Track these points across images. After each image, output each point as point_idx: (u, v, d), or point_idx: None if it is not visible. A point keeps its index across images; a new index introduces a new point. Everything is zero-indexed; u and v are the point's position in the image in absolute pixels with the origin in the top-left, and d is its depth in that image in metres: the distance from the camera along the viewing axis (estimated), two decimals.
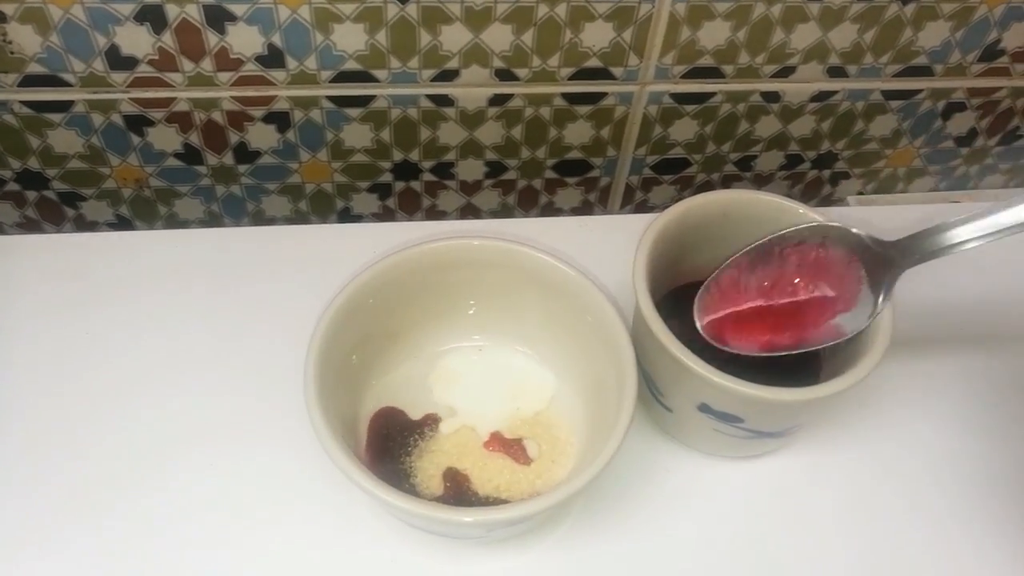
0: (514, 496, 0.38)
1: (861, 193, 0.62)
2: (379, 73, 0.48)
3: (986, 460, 0.43)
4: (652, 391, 0.40)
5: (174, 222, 0.57)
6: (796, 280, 0.39)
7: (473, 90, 0.50)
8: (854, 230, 0.38)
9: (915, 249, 0.36)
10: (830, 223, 0.38)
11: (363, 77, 0.48)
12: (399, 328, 0.42)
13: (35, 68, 0.46)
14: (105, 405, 0.42)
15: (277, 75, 0.48)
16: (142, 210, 0.56)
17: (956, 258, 0.35)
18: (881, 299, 0.36)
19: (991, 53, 0.52)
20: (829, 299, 0.38)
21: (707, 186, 0.60)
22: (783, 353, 0.38)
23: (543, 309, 0.41)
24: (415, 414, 0.41)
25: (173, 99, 0.48)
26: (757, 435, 0.38)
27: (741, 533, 0.40)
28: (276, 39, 0.46)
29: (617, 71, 0.50)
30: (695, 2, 0.47)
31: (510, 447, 0.39)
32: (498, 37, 0.47)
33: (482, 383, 0.42)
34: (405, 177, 0.55)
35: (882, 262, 0.37)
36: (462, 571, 0.38)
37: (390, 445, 0.39)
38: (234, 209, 0.56)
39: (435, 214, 0.59)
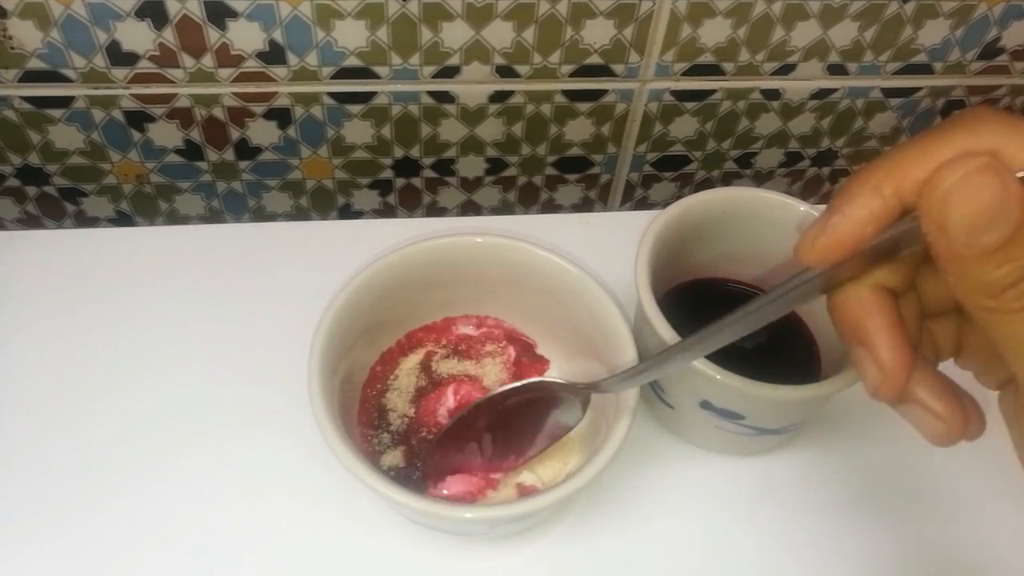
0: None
1: None
2: (380, 70, 0.48)
3: (990, 454, 0.43)
4: (654, 388, 0.40)
5: (175, 218, 0.57)
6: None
7: (474, 87, 0.50)
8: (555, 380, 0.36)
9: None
10: (532, 381, 0.37)
11: (364, 73, 0.48)
12: (401, 325, 0.42)
13: (36, 64, 0.46)
14: (106, 401, 0.42)
15: (278, 71, 0.48)
16: (143, 206, 0.56)
17: None
18: (578, 393, 0.36)
19: (991, 51, 0.52)
20: (536, 400, 0.37)
21: (707, 183, 0.60)
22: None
23: (544, 306, 0.41)
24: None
25: (174, 95, 0.48)
26: (758, 432, 0.39)
27: (743, 530, 0.40)
28: (277, 35, 0.46)
29: (618, 68, 0.50)
30: None
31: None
32: (499, 34, 0.47)
33: None
34: (406, 174, 0.55)
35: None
36: (465, 567, 0.38)
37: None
38: (235, 205, 0.56)
39: (436, 211, 0.59)
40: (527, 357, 0.43)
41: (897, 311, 0.25)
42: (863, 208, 0.23)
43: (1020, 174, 0.21)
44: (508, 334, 0.43)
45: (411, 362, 0.42)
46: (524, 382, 0.37)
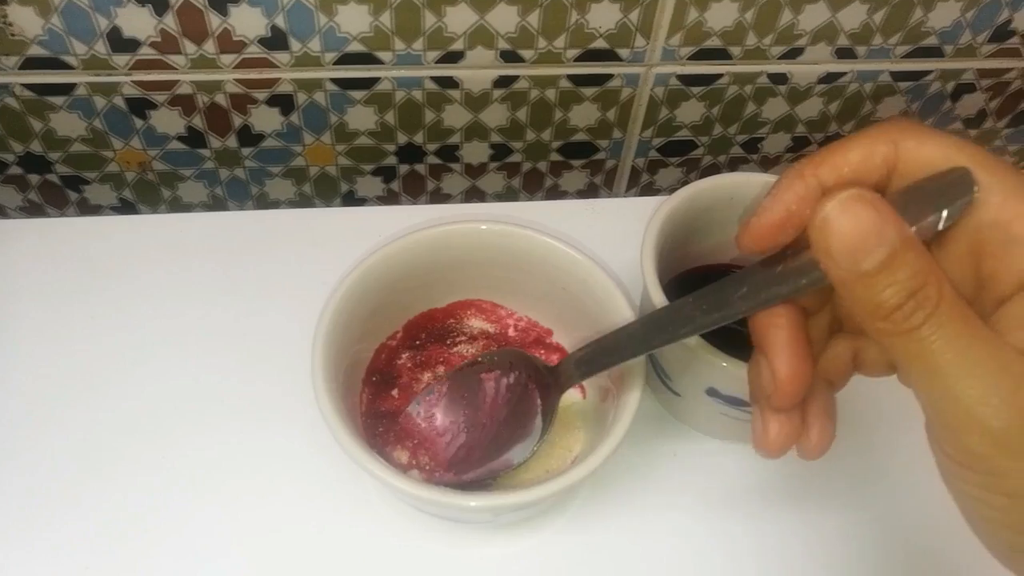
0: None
1: None
2: (383, 55, 0.48)
3: None
4: (660, 375, 0.40)
5: (178, 206, 0.57)
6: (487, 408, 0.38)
7: (478, 72, 0.50)
8: (532, 356, 0.37)
9: (568, 373, 0.35)
10: (505, 350, 0.37)
11: (367, 59, 0.48)
12: (406, 312, 0.42)
13: (36, 50, 0.45)
14: (108, 390, 0.42)
15: (280, 57, 0.47)
16: (145, 194, 0.55)
17: None
18: (542, 425, 0.36)
19: (1002, 34, 0.52)
20: (511, 430, 0.37)
21: (713, 168, 0.59)
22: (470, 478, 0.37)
23: (550, 293, 0.41)
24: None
25: (176, 82, 0.48)
26: None
27: (748, 516, 0.40)
28: (279, 21, 0.45)
29: (623, 52, 0.50)
30: None
31: None
32: (503, 18, 0.47)
33: None
34: (409, 160, 0.55)
35: (550, 387, 0.36)
36: (469, 555, 0.38)
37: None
38: (238, 192, 0.56)
39: (440, 197, 0.59)
40: (541, 348, 0.42)
41: (803, 327, 0.27)
42: (788, 191, 0.25)
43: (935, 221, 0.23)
44: (516, 323, 0.43)
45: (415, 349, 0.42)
46: (494, 351, 0.37)
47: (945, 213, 0.23)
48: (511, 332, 0.43)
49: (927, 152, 0.24)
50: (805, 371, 0.27)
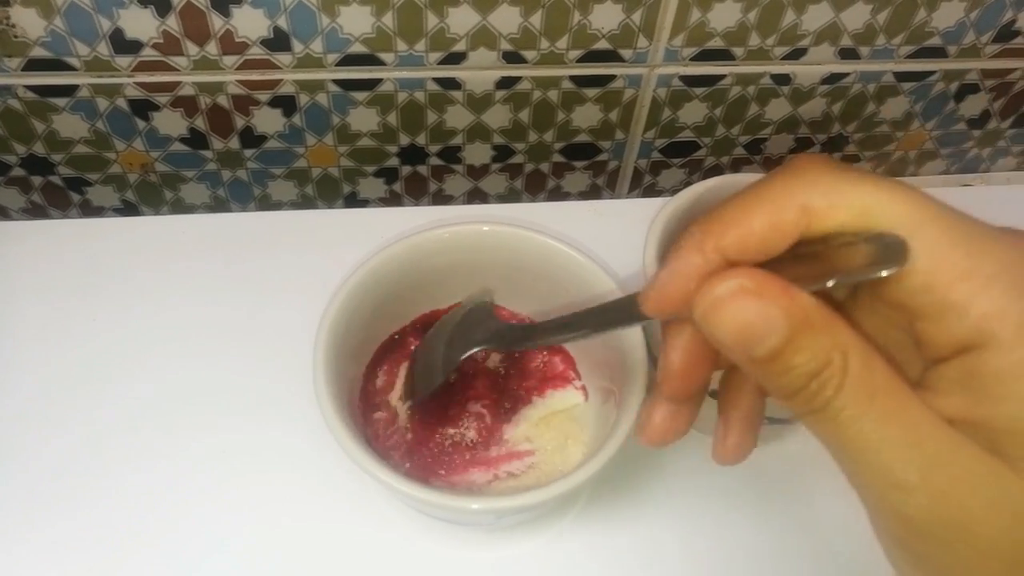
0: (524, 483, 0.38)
1: None
2: (386, 56, 0.48)
3: None
4: None
5: (180, 207, 0.57)
6: None
7: (480, 73, 0.50)
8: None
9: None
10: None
11: (369, 60, 0.48)
12: (408, 314, 0.42)
13: (39, 52, 0.45)
14: (111, 390, 0.42)
15: (283, 59, 0.47)
16: (148, 195, 0.55)
17: None
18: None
19: (1006, 34, 0.51)
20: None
21: (716, 169, 0.59)
22: None
23: (552, 294, 0.41)
24: None
25: (178, 83, 0.48)
26: (768, 421, 0.38)
27: (751, 517, 0.39)
28: (282, 22, 0.45)
29: (626, 53, 0.50)
30: None
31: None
32: (506, 19, 0.47)
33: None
34: (412, 161, 0.55)
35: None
36: (470, 556, 0.38)
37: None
38: (240, 194, 0.56)
39: (442, 199, 0.59)
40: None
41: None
42: (687, 266, 0.23)
43: (830, 283, 0.21)
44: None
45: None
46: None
47: (874, 274, 0.21)
48: None
49: (840, 216, 0.21)
50: (699, 373, 0.25)
